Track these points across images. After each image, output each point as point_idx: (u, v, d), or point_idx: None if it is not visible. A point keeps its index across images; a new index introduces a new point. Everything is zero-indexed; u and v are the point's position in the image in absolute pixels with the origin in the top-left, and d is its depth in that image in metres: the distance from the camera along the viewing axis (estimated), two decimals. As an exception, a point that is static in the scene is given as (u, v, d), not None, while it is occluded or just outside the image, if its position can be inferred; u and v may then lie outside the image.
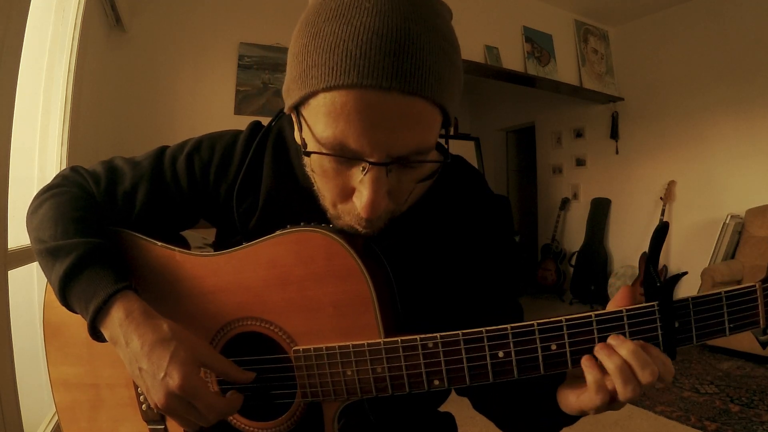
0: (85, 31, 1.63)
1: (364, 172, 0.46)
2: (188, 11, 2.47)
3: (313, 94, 0.45)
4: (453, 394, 0.72)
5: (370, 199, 0.46)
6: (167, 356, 0.48)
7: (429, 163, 0.49)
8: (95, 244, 0.56)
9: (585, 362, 0.46)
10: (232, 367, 0.53)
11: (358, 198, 0.48)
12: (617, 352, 0.44)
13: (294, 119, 0.50)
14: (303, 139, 0.49)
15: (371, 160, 0.45)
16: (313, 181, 0.53)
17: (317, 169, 0.49)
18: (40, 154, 1.52)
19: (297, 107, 0.48)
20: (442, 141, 0.53)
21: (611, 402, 0.46)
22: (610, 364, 0.44)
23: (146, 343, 0.49)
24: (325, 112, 0.44)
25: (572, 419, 0.53)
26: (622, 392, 0.44)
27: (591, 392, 0.45)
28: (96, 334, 0.53)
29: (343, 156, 0.46)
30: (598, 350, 0.45)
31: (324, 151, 0.46)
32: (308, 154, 0.48)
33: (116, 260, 0.57)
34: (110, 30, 2.22)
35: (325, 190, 0.51)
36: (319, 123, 0.45)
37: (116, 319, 0.51)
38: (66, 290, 0.54)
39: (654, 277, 0.45)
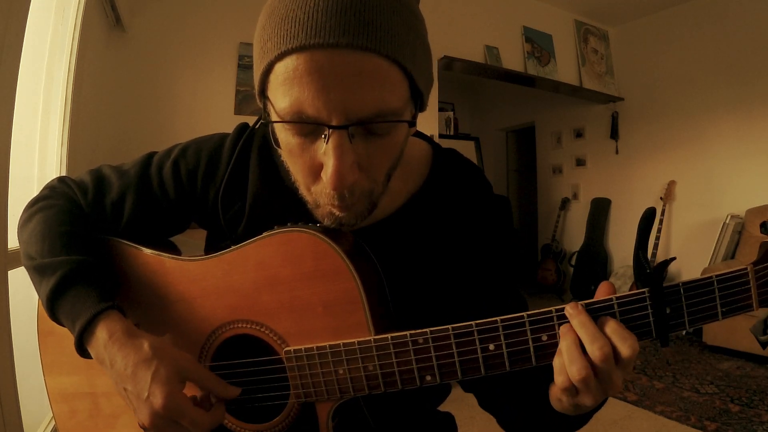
0: (85, 31, 1.63)
1: (326, 140, 0.44)
2: (188, 11, 2.47)
3: (270, 68, 0.45)
4: (453, 393, 0.72)
5: (335, 168, 0.44)
6: (149, 376, 0.49)
7: (393, 124, 0.46)
8: (79, 262, 0.56)
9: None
10: (216, 382, 0.54)
11: (324, 172, 0.46)
12: (571, 329, 0.44)
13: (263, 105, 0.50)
14: (267, 116, 0.49)
15: (330, 123, 0.43)
16: (287, 168, 0.53)
17: (284, 148, 0.49)
18: (40, 154, 1.52)
19: (263, 91, 0.48)
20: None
21: (576, 390, 0.45)
22: (562, 342, 0.44)
23: (129, 364, 0.50)
24: (281, 81, 0.44)
25: (572, 423, 0.53)
26: (570, 370, 0.43)
27: (555, 374, 0.45)
28: (84, 353, 0.54)
29: (303, 122, 0.45)
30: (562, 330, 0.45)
31: (285, 120, 0.45)
32: (267, 123, 0.48)
33: (101, 277, 0.57)
34: (110, 30, 2.22)
35: (296, 172, 0.51)
36: (277, 96, 0.45)
37: (100, 340, 0.51)
38: (54, 308, 0.55)
39: (643, 263, 0.45)
